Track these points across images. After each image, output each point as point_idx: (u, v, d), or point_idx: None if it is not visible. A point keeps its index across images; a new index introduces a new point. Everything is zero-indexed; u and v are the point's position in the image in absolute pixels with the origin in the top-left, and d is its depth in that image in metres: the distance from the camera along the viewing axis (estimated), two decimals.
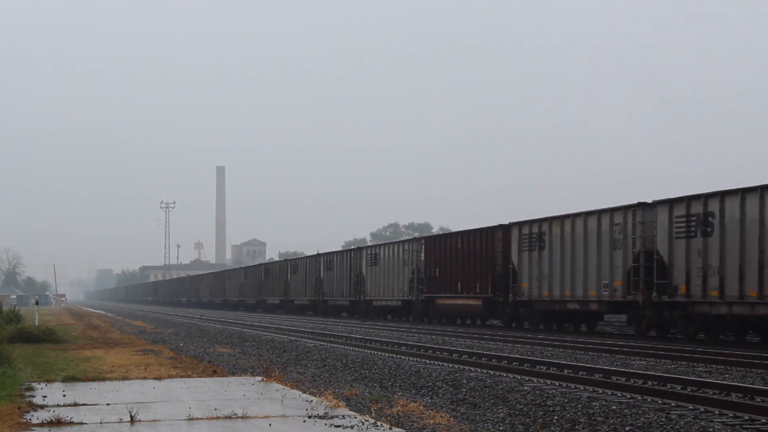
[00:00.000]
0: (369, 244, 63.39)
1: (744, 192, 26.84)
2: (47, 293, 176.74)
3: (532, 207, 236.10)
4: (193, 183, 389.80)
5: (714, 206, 27.86)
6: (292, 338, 33.36)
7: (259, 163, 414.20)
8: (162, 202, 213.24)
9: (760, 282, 26.07)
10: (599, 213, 33.80)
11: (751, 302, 26.44)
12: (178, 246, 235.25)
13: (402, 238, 58.74)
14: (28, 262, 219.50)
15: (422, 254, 48.58)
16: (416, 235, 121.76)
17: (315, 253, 70.05)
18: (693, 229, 28.71)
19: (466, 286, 43.48)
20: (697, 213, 28.54)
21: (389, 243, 55.88)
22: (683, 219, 29.09)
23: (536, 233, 37.57)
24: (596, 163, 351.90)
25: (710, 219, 27.99)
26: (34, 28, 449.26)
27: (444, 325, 45.25)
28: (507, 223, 40.77)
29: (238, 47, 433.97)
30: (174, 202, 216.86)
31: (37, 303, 52.47)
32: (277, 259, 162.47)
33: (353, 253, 59.76)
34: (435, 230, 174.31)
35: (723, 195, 27.57)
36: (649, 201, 31.23)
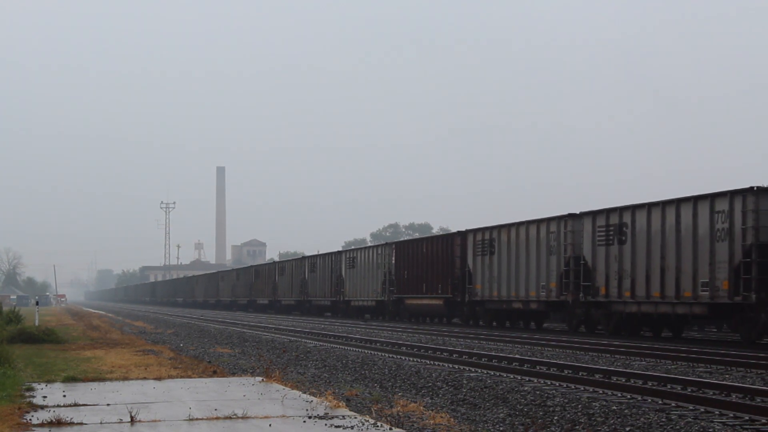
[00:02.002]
0: (349, 248, 65.89)
1: (650, 206, 30.73)
2: (47, 293, 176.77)
3: (532, 207, 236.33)
4: (193, 183, 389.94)
5: (627, 218, 31.85)
6: (292, 338, 33.36)
7: (259, 163, 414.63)
8: (162, 202, 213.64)
9: (662, 284, 29.92)
10: (538, 222, 37.93)
11: (655, 302, 30.35)
12: (178, 246, 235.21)
13: (376, 243, 62.56)
14: (28, 262, 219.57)
15: (393, 258, 52.58)
16: (416, 235, 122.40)
17: (315, 253, 71.50)
18: (611, 237, 32.73)
19: (430, 287, 47.55)
20: (614, 224, 32.56)
21: (365, 247, 59.87)
22: (603, 229, 33.16)
23: (488, 239, 41.58)
24: (596, 163, 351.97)
25: (624, 229, 31.94)
26: (34, 28, 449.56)
27: (411, 323, 48.69)
28: (464, 230, 44.92)
29: (237, 47, 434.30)
30: (174, 202, 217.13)
31: (37, 303, 52.51)
32: (277, 259, 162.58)
33: (334, 257, 63.42)
34: (435, 230, 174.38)
35: (634, 208, 31.56)
36: (577, 212, 35.31)
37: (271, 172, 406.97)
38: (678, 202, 29.52)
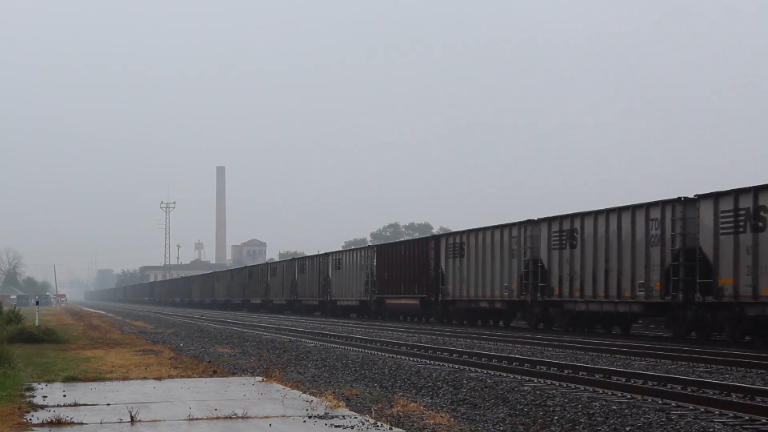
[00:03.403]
0: (335, 250, 67.85)
1: (596, 214, 33.85)
2: (47, 293, 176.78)
3: (532, 206, 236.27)
4: (193, 183, 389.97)
5: (577, 224, 34.93)
6: (292, 338, 33.36)
7: (259, 163, 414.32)
8: (162, 202, 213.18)
9: (606, 285, 33.00)
10: (502, 228, 40.76)
11: (600, 301, 33.47)
12: (179, 246, 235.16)
13: (360, 246, 67.79)
14: (28, 262, 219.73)
15: (375, 260, 55.33)
16: (416, 235, 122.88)
17: (315, 253, 72.34)
18: (564, 242, 35.70)
19: (407, 288, 50.44)
20: (566, 229, 35.61)
21: (350, 250, 62.88)
22: (557, 234, 36.16)
23: (458, 243, 44.48)
24: (596, 162, 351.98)
25: (575, 234, 35.08)
26: (34, 27, 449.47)
27: (391, 321, 51.85)
28: (438, 234, 48.88)
29: (237, 47, 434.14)
30: (174, 202, 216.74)
31: (37, 303, 52.54)
32: (277, 259, 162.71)
33: (321, 258, 66.48)
34: (435, 230, 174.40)
35: (583, 216, 34.65)
36: (536, 219, 38.32)
37: (271, 172, 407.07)
38: (619, 211, 32.56)
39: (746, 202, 26.76)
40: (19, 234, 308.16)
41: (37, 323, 39.57)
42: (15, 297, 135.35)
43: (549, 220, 36.93)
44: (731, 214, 27.25)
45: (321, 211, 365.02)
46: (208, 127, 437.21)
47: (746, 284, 26.63)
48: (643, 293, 31.01)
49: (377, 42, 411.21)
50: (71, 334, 35.42)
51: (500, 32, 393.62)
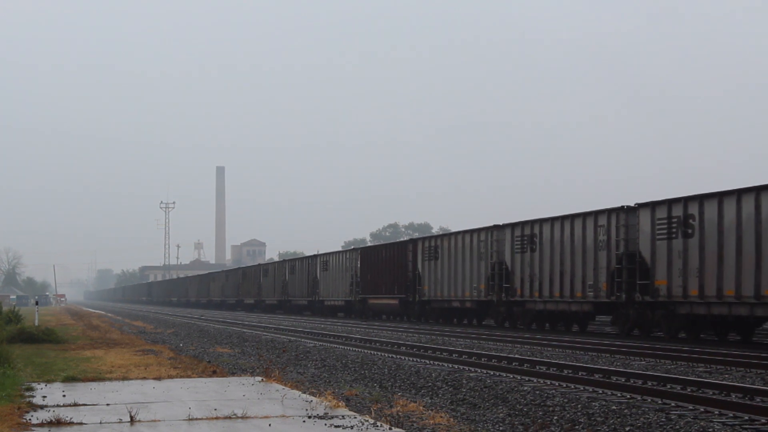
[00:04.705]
0: (322, 252, 69.47)
1: (552, 220, 36.54)
2: (47, 293, 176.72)
3: (531, 206, 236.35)
4: (193, 183, 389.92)
5: (537, 230, 37.67)
6: (292, 338, 33.35)
7: (259, 163, 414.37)
8: (162, 202, 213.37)
9: (561, 286, 35.72)
10: (471, 232, 43.58)
11: (556, 301, 36.17)
12: (178, 246, 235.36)
13: (345, 249, 68.67)
14: (28, 262, 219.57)
15: (359, 262, 58.21)
16: (416, 235, 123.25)
17: (315, 253, 73.06)
18: (525, 246, 38.47)
19: (387, 289, 53.19)
20: (527, 234, 38.32)
21: (336, 252, 65.19)
22: (519, 238, 39.00)
23: (433, 246, 47.23)
24: (596, 162, 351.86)
25: (534, 239, 37.73)
26: (34, 27, 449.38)
27: (374, 320, 53.93)
28: (416, 238, 51.78)
29: (237, 47, 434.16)
30: (174, 202, 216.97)
31: (36, 303, 52.54)
32: (276, 259, 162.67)
33: (310, 260, 69.37)
34: (435, 230, 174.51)
35: (542, 222, 37.36)
36: (501, 224, 40.95)
37: (271, 172, 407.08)
38: (572, 218, 35.34)
39: (678, 211, 29.42)
40: (19, 234, 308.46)
41: (36, 323, 39.57)
42: (15, 297, 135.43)
43: (512, 226, 39.69)
44: (665, 221, 30.01)
45: (321, 211, 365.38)
46: (208, 127, 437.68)
47: (678, 285, 29.30)
48: (592, 293, 33.84)
49: (378, 42, 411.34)
50: (71, 334, 35.41)
51: (501, 32, 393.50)
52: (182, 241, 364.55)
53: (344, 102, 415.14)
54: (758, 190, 26.36)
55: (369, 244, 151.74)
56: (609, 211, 33.20)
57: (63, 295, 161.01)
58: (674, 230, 29.50)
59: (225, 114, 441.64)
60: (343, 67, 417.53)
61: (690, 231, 28.81)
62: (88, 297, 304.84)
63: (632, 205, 32.02)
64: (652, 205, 30.54)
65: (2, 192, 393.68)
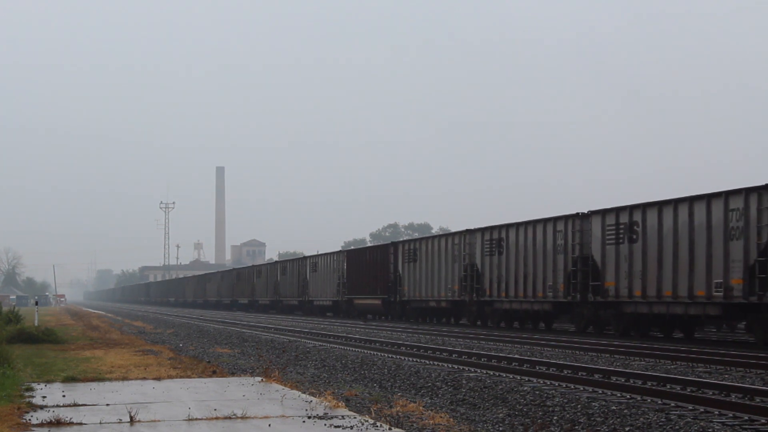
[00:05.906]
0: (313, 253, 72.30)
1: (518, 225, 39.16)
2: (47, 293, 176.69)
3: (531, 206, 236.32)
4: (193, 183, 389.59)
5: (504, 234, 40.31)
6: (292, 338, 33.35)
7: (259, 163, 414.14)
8: (162, 202, 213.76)
9: (524, 287, 38.28)
10: (446, 236, 46.71)
11: (520, 300, 38.74)
12: (178, 246, 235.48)
13: (333, 250, 69.44)
14: (28, 262, 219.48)
15: (345, 264, 60.67)
16: (416, 235, 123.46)
17: (315, 253, 73.51)
18: (494, 249, 41.03)
19: (371, 289, 55.68)
20: (495, 238, 41.03)
21: (324, 254, 67.21)
22: (488, 242, 41.57)
23: (412, 249, 49.87)
24: (597, 162, 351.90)
25: (502, 243, 40.34)
26: (34, 27, 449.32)
27: (359, 319, 55.67)
28: (397, 241, 54.50)
29: (237, 47, 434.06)
30: (174, 202, 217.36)
31: (36, 303, 52.58)
32: (276, 259, 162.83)
33: (300, 262, 72.08)
34: (435, 230, 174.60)
35: (508, 227, 39.99)
36: (472, 228, 43.61)
37: (271, 172, 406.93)
38: (534, 223, 37.83)
39: (624, 218, 31.80)
40: (19, 234, 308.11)
41: (36, 323, 39.57)
42: (14, 297, 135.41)
43: (483, 230, 42.41)
44: (614, 227, 32.46)
45: (321, 211, 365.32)
46: (208, 127, 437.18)
47: (624, 286, 31.72)
48: (551, 294, 36.40)
49: (378, 42, 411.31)
50: (70, 335, 35.41)
51: (501, 32, 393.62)
52: (182, 242, 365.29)
53: (344, 102, 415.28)
54: (692, 200, 28.64)
55: (369, 244, 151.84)
56: (566, 218, 35.79)
57: (63, 296, 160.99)
58: (621, 236, 31.96)
59: (225, 114, 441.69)
60: (343, 67, 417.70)
61: (635, 237, 31.24)
62: (87, 297, 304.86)
63: (585, 212, 34.66)
64: (603, 213, 33.10)
65: (2, 192, 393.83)
